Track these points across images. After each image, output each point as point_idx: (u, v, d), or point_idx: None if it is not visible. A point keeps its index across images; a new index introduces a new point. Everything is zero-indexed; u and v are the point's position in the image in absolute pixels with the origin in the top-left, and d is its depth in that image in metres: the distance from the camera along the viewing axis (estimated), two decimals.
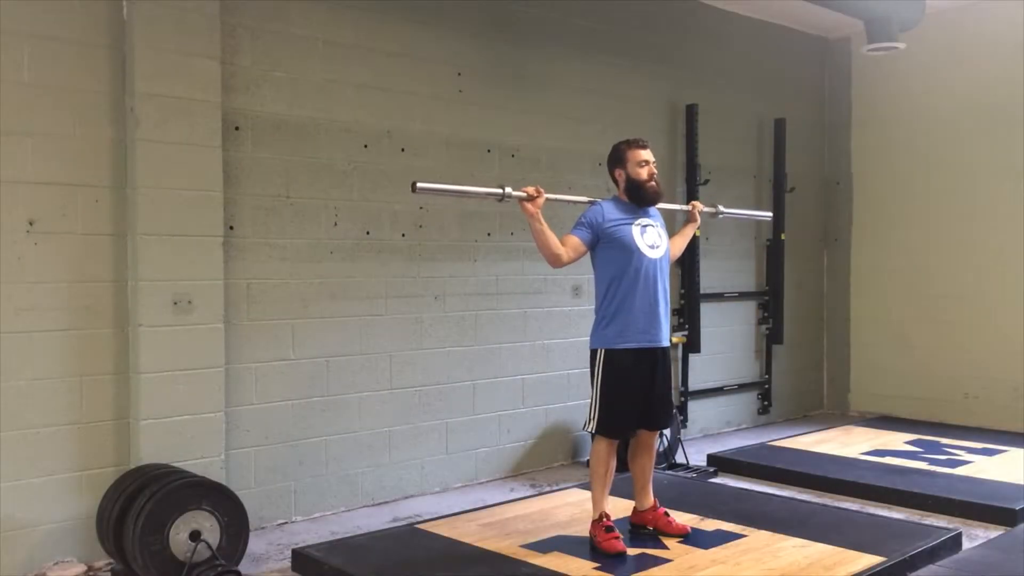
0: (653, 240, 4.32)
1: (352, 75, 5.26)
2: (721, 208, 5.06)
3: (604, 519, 4.30)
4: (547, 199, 4.19)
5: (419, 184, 4.02)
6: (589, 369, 4.34)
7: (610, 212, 4.30)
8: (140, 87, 4.36)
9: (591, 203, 4.39)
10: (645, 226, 4.33)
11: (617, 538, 4.24)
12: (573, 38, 6.38)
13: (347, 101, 5.24)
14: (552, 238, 4.18)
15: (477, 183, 5.81)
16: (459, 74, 5.75)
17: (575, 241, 4.25)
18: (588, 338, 4.39)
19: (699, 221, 4.90)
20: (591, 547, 4.28)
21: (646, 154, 4.35)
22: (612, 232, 4.25)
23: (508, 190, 4.15)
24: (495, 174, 5.93)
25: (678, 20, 7.12)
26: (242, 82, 4.83)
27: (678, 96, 7.11)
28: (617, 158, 4.40)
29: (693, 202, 4.93)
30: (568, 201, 4.65)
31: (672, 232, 4.67)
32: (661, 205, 4.49)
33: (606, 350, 4.25)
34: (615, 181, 4.43)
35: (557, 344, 6.26)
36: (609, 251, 4.27)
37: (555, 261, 4.23)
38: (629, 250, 4.24)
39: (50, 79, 4.22)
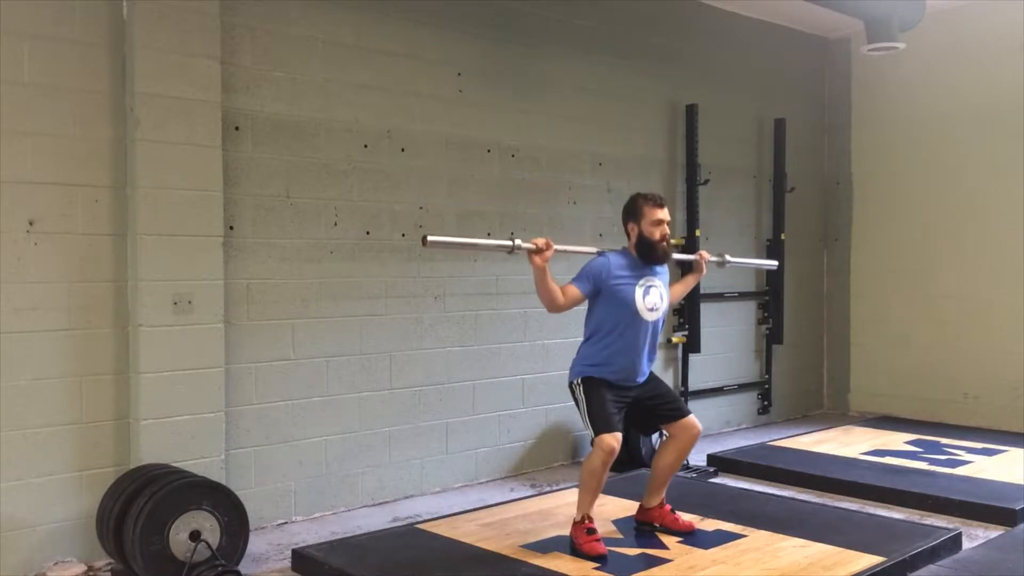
0: (654, 302, 4.33)
1: (352, 75, 5.26)
2: (728, 258, 5.05)
3: (587, 521, 4.28)
4: (556, 251, 4.15)
5: (430, 238, 3.98)
6: (573, 402, 4.38)
7: (616, 268, 4.29)
8: (140, 87, 4.36)
9: (599, 254, 4.39)
10: (649, 287, 4.33)
11: (598, 540, 4.24)
12: (573, 38, 6.38)
13: (347, 101, 5.24)
14: (554, 288, 4.18)
15: (477, 183, 5.84)
16: (459, 74, 5.75)
17: (575, 293, 4.27)
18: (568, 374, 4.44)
19: (704, 272, 4.88)
20: (571, 549, 4.25)
21: (663, 214, 4.34)
22: (615, 290, 4.26)
23: (518, 242, 4.11)
24: (495, 174, 5.94)
25: (678, 20, 7.12)
26: (242, 82, 4.83)
27: (678, 96, 7.11)
28: (633, 212, 4.38)
29: (700, 252, 4.89)
30: (577, 252, 4.60)
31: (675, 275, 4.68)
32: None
33: (583, 377, 4.31)
34: (626, 232, 4.43)
35: (557, 344, 6.26)
36: (607, 306, 4.29)
37: (552, 308, 4.27)
38: (629, 311, 4.26)
39: (50, 79, 4.22)
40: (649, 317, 4.30)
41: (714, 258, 4.94)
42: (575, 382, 4.34)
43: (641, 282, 4.31)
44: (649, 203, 4.34)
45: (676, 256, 4.71)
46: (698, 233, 7.00)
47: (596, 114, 6.51)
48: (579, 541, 4.26)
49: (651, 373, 4.47)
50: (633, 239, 4.38)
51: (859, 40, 7.33)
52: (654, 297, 4.33)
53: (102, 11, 4.36)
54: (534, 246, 4.10)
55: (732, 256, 5.15)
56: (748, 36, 7.67)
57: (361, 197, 5.31)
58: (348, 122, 5.25)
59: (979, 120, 7.49)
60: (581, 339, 4.45)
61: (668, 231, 4.37)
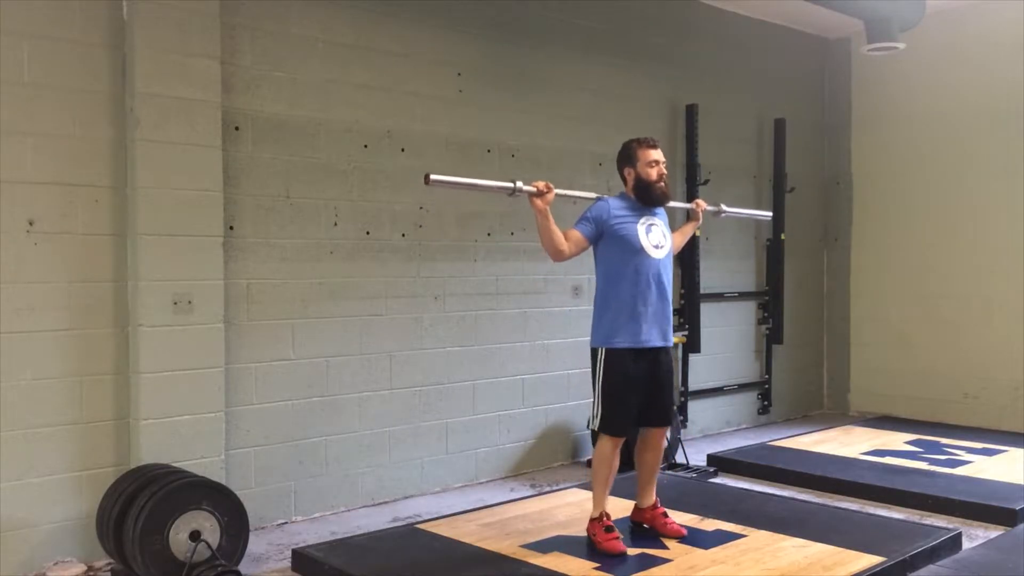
0: (658, 240, 4.32)
1: (352, 75, 5.26)
2: (724, 207, 5.08)
3: (604, 518, 4.30)
4: (556, 194, 4.18)
5: (432, 176, 3.99)
6: (591, 367, 4.34)
7: (616, 209, 4.30)
8: (140, 87, 4.36)
9: (597, 199, 4.39)
10: (650, 225, 4.33)
11: (617, 538, 4.24)
12: (573, 38, 6.38)
13: (347, 101, 5.24)
14: (556, 232, 4.18)
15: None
16: (459, 74, 5.75)
17: (577, 235, 4.26)
18: (588, 337, 4.40)
19: (701, 220, 4.92)
20: (590, 546, 4.28)
21: (656, 154, 4.35)
22: (617, 229, 4.25)
23: (519, 184, 4.13)
24: (495, 174, 5.91)
25: (678, 20, 7.12)
26: (242, 82, 4.83)
27: (678, 96, 7.11)
28: (627, 156, 4.39)
29: (697, 200, 4.94)
30: (577, 197, 4.61)
31: (674, 229, 4.68)
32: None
33: (607, 349, 4.25)
34: (623, 179, 4.43)
35: (557, 344, 6.26)
36: (612, 248, 4.27)
37: (557, 256, 4.24)
38: (633, 248, 4.24)
39: (50, 79, 4.22)
40: (655, 255, 4.28)
41: (711, 207, 4.96)
42: (599, 349, 4.28)
43: (642, 220, 4.31)
44: (643, 145, 4.35)
45: (673, 204, 4.70)
46: (698, 233, 6.99)
47: (596, 114, 6.51)
48: (598, 539, 4.26)
49: (669, 362, 4.39)
50: (630, 183, 4.38)
51: (859, 40, 7.34)
52: (656, 235, 4.32)
53: (102, 11, 4.37)
54: (535, 188, 4.11)
55: (728, 206, 5.16)
56: (748, 36, 7.67)
57: (361, 197, 5.31)
58: (348, 122, 5.25)
59: (979, 120, 7.49)
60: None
61: (664, 171, 4.37)
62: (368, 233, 5.34)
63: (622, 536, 4.31)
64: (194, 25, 4.51)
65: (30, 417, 4.19)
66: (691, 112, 7.10)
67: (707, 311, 7.23)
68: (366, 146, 5.32)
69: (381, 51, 5.38)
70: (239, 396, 4.82)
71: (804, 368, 8.37)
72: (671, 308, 4.39)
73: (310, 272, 5.11)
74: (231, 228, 4.79)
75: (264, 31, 4.91)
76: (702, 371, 7.33)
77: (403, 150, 5.49)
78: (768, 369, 7.90)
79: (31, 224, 4.19)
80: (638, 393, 4.27)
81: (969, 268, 7.57)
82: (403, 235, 5.49)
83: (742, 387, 7.74)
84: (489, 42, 5.91)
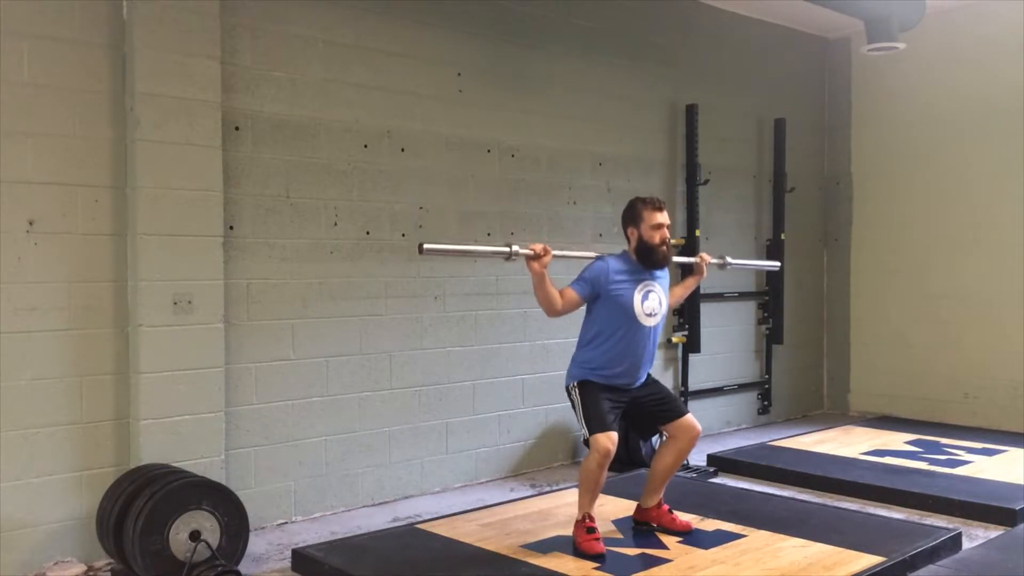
0: (653, 308, 4.32)
1: (352, 75, 5.26)
2: (729, 260, 5.02)
3: (587, 520, 4.29)
4: (553, 256, 4.14)
5: (426, 246, 3.95)
6: (570, 402, 4.38)
7: (615, 272, 4.28)
8: (140, 87, 4.36)
9: (598, 258, 4.38)
10: (648, 291, 4.32)
11: (597, 539, 4.24)
12: (573, 38, 6.38)
13: (347, 101, 5.24)
14: (553, 292, 4.18)
15: (477, 183, 5.84)
16: (459, 74, 5.75)
17: (573, 297, 4.26)
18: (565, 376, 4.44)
19: (705, 274, 4.86)
20: (573, 548, 4.27)
21: (662, 217, 4.32)
22: (614, 294, 4.25)
23: (515, 248, 4.08)
24: (495, 174, 5.94)
25: (678, 20, 7.12)
26: (242, 82, 4.83)
27: (678, 96, 7.11)
28: (632, 216, 4.37)
29: (701, 254, 4.85)
30: (575, 257, 4.58)
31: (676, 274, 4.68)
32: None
33: (579, 381, 4.31)
34: (626, 237, 4.42)
35: (557, 344, 6.26)
36: (606, 310, 4.28)
37: (551, 313, 4.27)
38: (627, 316, 4.26)
39: (50, 79, 4.22)
40: (647, 323, 4.29)
41: (715, 260, 4.91)
42: (571, 385, 4.34)
43: (640, 287, 4.30)
44: (648, 207, 4.32)
45: (676, 259, 4.70)
46: (698, 233, 7.00)
47: (596, 114, 6.51)
48: (579, 540, 4.27)
49: (649, 375, 4.46)
50: (633, 243, 4.37)
51: (859, 40, 7.33)
52: (652, 302, 4.32)
53: (102, 11, 4.36)
54: (532, 252, 4.08)
55: (733, 258, 5.13)
56: (748, 36, 7.67)
57: (361, 197, 5.31)
58: (348, 122, 5.25)
59: (979, 120, 7.49)
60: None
61: (668, 235, 4.36)
62: (368, 233, 5.34)
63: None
64: (194, 25, 4.51)
65: (30, 417, 4.19)
66: (691, 112, 7.09)
67: (707, 311, 7.22)
68: (366, 146, 5.32)
69: (381, 51, 5.38)
70: (239, 396, 4.82)
71: (804, 368, 8.37)
72: (652, 362, 4.44)
73: (310, 272, 5.11)
74: (231, 228, 4.79)
75: (264, 31, 4.91)
76: (702, 371, 7.33)
77: (403, 150, 5.48)
78: (768, 369, 7.90)
79: (31, 224, 4.19)
80: (619, 399, 4.31)
81: (969, 268, 7.57)
82: (403, 235, 5.49)
83: (742, 387, 7.74)
84: (489, 42, 5.91)
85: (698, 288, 7.02)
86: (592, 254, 4.47)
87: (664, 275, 4.46)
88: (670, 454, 4.48)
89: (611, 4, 6.59)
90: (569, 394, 4.37)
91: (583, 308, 4.39)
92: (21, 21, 4.14)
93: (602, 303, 4.28)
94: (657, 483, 4.53)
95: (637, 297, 4.27)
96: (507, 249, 4.07)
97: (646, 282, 4.33)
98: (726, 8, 7.42)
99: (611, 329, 4.26)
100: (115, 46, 4.40)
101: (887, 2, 6.46)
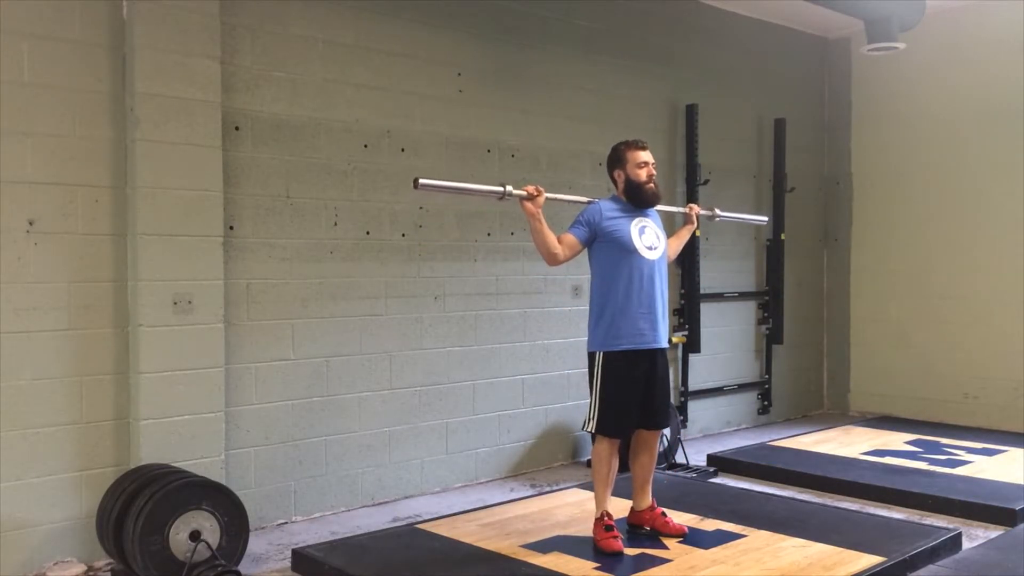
0: (651, 241, 4.33)
1: (352, 75, 5.26)
2: (718, 211, 5.08)
3: (605, 518, 4.30)
4: (547, 198, 4.20)
5: (421, 180, 4.03)
6: (588, 370, 4.35)
7: (608, 211, 4.32)
8: (140, 87, 4.36)
9: (589, 202, 4.41)
10: (643, 227, 4.34)
11: (615, 537, 4.25)
12: (573, 38, 6.38)
13: (347, 101, 5.24)
14: (550, 236, 4.20)
15: (477, 183, 5.82)
16: (459, 74, 5.75)
17: (571, 239, 4.27)
18: (587, 338, 4.39)
19: (696, 223, 4.91)
20: (593, 546, 4.28)
21: (645, 155, 4.36)
22: (610, 231, 4.26)
23: (509, 188, 4.16)
24: (495, 174, 5.93)
25: (678, 20, 7.12)
26: (242, 82, 4.83)
27: (678, 96, 7.11)
28: (616, 159, 4.41)
29: (691, 204, 4.96)
30: (567, 201, 4.64)
31: (670, 233, 4.68)
32: (659, 207, 4.49)
33: (605, 353, 4.26)
34: (614, 181, 4.45)
35: (557, 344, 6.26)
36: (606, 250, 4.28)
37: (552, 259, 4.26)
38: (627, 250, 4.25)
39: (50, 79, 4.22)
40: (649, 255, 4.29)
41: (704, 211, 4.95)
42: (596, 353, 4.29)
43: (634, 222, 4.32)
44: (631, 147, 4.37)
45: (665, 208, 4.70)
46: (697, 233, 6.99)
47: (596, 114, 6.51)
48: (597, 537, 4.28)
49: (665, 364, 4.40)
50: (621, 185, 4.39)
51: (859, 40, 7.33)
52: (650, 236, 4.33)
53: (102, 11, 4.37)
54: (525, 192, 4.13)
55: (722, 211, 5.16)
56: (748, 36, 7.67)
57: (361, 197, 5.31)
58: (348, 122, 5.25)
59: (979, 120, 7.49)
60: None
61: (654, 172, 4.38)
62: (368, 233, 5.34)
63: (622, 536, 4.31)
64: (194, 25, 4.51)
65: (30, 417, 4.19)
66: (691, 112, 7.10)
67: (707, 311, 7.23)
68: (366, 146, 5.32)
69: (381, 51, 5.38)
70: (239, 396, 4.82)
71: (804, 368, 8.37)
72: (667, 308, 4.40)
73: (310, 272, 5.11)
74: (231, 228, 4.79)
75: (264, 31, 4.91)
76: (702, 371, 7.33)
77: (403, 150, 5.48)
78: (768, 369, 7.90)
79: (31, 224, 4.19)
80: (635, 396, 4.28)
81: (969, 268, 7.57)
82: (403, 235, 5.49)
83: (742, 387, 7.74)
84: (489, 42, 5.91)
85: (698, 288, 7.09)
86: (584, 199, 4.49)
87: (655, 215, 4.48)
88: (641, 451, 4.48)
89: (611, 4, 6.59)
90: (591, 361, 4.31)
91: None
92: (21, 21, 4.13)
93: (601, 244, 4.29)
94: (640, 482, 4.52)
95: (634, 231, 4.29)
96: (501, 189, 4.16)
97: (639, 219, 4.35)
98: (726, 8, 7.42)
99: (616, 268, 4.24)
100: (115, 46, 4.40)
101: (887, 2, 6.46)
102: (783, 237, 7.80)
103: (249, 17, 4.84)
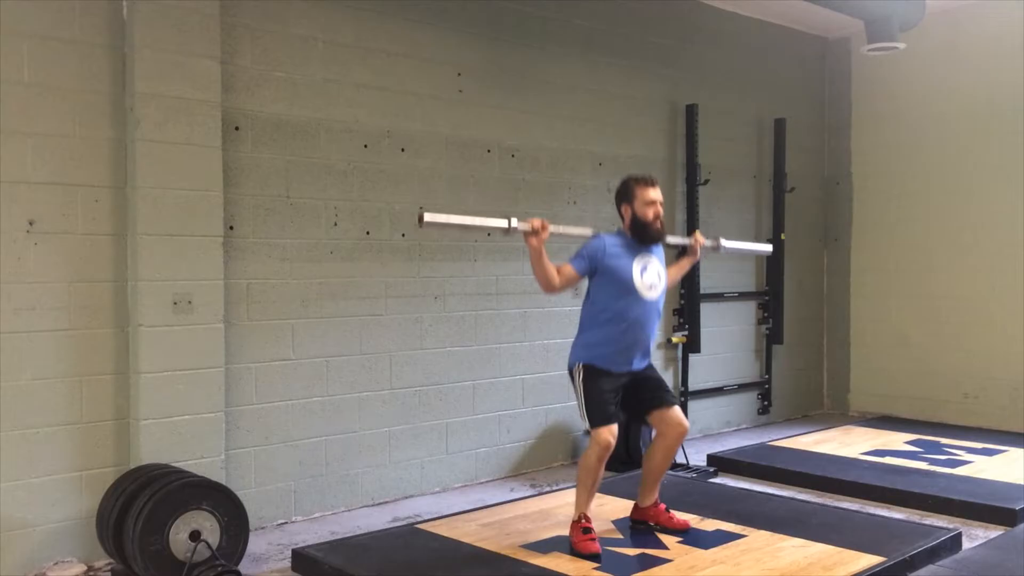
0: (652, 280, 4.33)
1: (352, 75, 5.26)
2: (723, 242, 4.98)
3: (583, 520, 4.29)
4: (551, 233, 4.16)
5: (426, 218, 3.96)
6: (572, 385, 4.37)
7: (611, 247, 4.31)
8: (140, 87, 4.36)
9: (594, 236, 4.39)
10: (646, 265, 4.33)
11: (593, 540, 4.24)
12: (573, 38, 6.38)
13: (347, 101, 5.24)
14: (549, 267, 4.20)
15: (477, 183, 5.84)
16: (459, 74, 5.75)
17: (570, 272, 4.28)
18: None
19: (699, 255, 4.83)
20: (569, 548, 4.26)
21: (654, 193, 4.34)
22: (612, 268, 4.27)
23: (514, 222, 4.12)
24: (495, 174, 5.94)
25: (678, 20, 7.12)
26: (242, 82, 4.83)
27: (678, 96, 7.11)
28: (625, 193, 4.39)
29: (695, 234, 4.82)
30: (572, 235, 4.56)
31: (670, 261, 4.67)
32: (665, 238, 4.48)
33: (584, 364, 4.29)
34: (620, 215, 4.43)
35: (557, 344, 6.26)
36: (606, 286, 4.29)
37: (548, 289, 4.28)
38: (627, 288, 4.26)
39: (50, 79, 4.22)
40: (648, 295, 4.29)
41: (708, 242, 4.87)
42: (575, 367, 4.33)
43: (637, 260, 4.31)
44: (641, 184, 4.35)
45: (671, 239, 4.69)
46: (697, 233, 6.99)
47: (596, 114, 6.51)
48: (574, 540, 4.27)
49: (650, 364, 4.45)
50: (627, 220, 4.38)
51: (859, 40, 7.33)
52: (651, 275, 4.33)
53: (102, 11, 4.37)
54: (530, 227, 4.12)
55: (727, 241, 5.08)
56: (748, 36, 7.67)
57: (361, 197, 5.31)
58: (348, 122, 5.25)
59: (979, 120, 7.49)
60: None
61: (661, 211, 4.37)
62: (368, 233, 5.34)
63: (598, 537, 4.29)
64: (194, 25, 4.51)
65: (30, 417, 4.19)
66: (691, 112, 7.10)
67: (707, 311, 7.23)
68: (366, 146, 5.33)
69: (381, 51, 5.38)
70: (239, 396, 4.82)
71: (804, 368, 8.37)
72: (655, 335, 4.43)
73: (310, 272, 5.11)
74: (231, 228, 4.79)
75: (264, 31, 4.91)
76: (702, 371, 7.33)
77: (403, 150, 5.49)
78: (768, 369, 7.90)
79: (31, 224, 4.19)
80: (620, 386, 4.30)
81: (969, 268, 7.57)
82: (403, 235, 5.49)
83: (742, 387, 7.74)
84: (489, 42, 5.91)
85: (698, 288, 7.08)
86: (589, 231, 4.47)
87: (660, 251, 4.48)
88: (659, 452, 4.47)
89: (611, 4, 6.59)
90: (572, 376, 4.36)
91: (582, 305, 4.40)
92: (21, 21, 4.14)
93: (601, 279, 4.29)
94: (651, 482, 4.53)
95: (636, 269, 4.28)
96: (506, 223, 4.14)
97: (643, 256, 4.35)
98: (726, 8, 7.42)
99: (611, 304, 4.26)
100: (115, 46, 4.40)
101: (887, 2, 6.46)
102: (783, 237, 7.80)
103: (249, 17, 4.84)
